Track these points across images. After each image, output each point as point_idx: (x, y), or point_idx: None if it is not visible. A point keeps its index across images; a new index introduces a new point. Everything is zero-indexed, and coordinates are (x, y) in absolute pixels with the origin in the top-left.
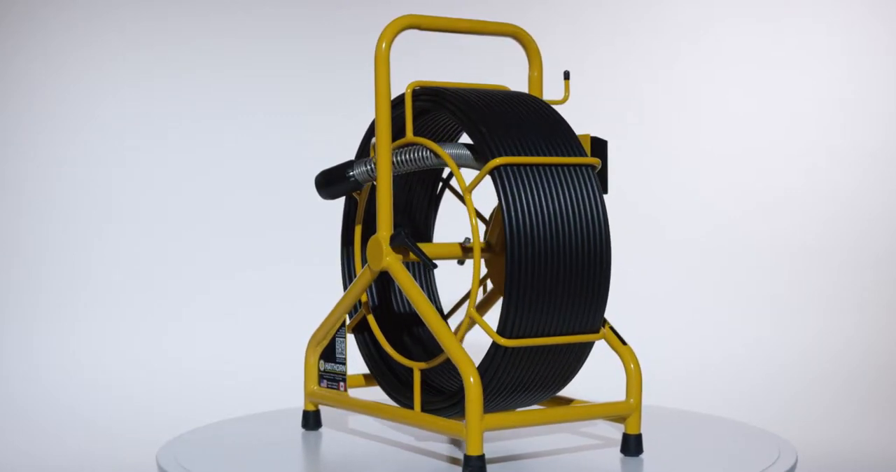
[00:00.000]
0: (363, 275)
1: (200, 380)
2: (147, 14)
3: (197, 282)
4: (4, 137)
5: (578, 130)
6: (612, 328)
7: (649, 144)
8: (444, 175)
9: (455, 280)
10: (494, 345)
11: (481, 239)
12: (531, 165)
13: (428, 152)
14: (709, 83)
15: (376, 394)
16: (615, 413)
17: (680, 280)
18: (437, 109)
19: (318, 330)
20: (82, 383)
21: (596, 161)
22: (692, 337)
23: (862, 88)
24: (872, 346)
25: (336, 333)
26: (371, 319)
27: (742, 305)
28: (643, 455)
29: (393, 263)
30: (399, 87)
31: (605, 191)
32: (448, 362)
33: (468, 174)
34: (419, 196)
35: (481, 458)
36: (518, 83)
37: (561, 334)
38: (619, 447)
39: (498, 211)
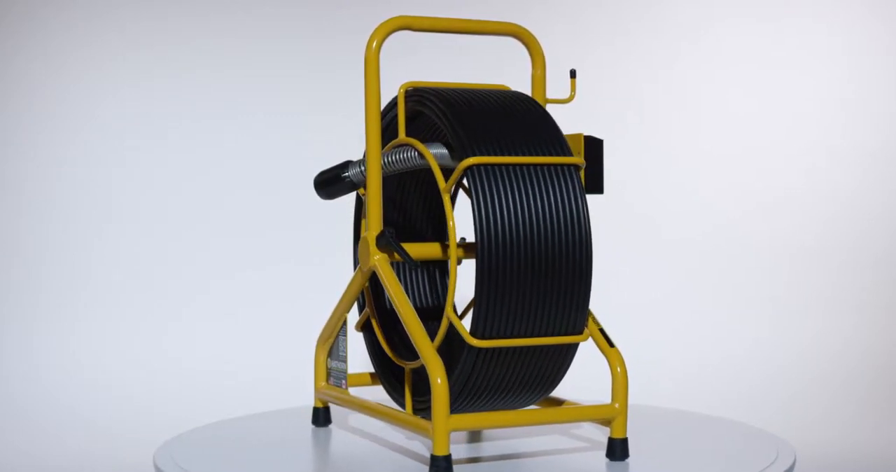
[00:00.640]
0: (356, 275)
1: (200, 380)
2: (147, 14)
3: (197, 282)
4: (4, 137)
5: (578, 129)
6: (601, 330)
7: (649, 144)
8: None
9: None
10: (468, 346)
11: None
12: (507, 165)
13: (415, 153)
14: (709, 83)
15: (381, 393)
16: (599, 417)
17: (678, 281)
18: (423, 110)
19: (324, 328)
20: (82, 383)
21: (579, 161)
22: (691, 338)
23: (862, 88)
24: (871, 346)
25: (339, 331)
26: (373, 318)
27: (741, 305)
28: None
29: (379, 262)
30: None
31: (601, 191)
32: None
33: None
34: (414, 195)
35: (447, 458)
36: (521, 83)
37: (539, 335)
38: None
39: None
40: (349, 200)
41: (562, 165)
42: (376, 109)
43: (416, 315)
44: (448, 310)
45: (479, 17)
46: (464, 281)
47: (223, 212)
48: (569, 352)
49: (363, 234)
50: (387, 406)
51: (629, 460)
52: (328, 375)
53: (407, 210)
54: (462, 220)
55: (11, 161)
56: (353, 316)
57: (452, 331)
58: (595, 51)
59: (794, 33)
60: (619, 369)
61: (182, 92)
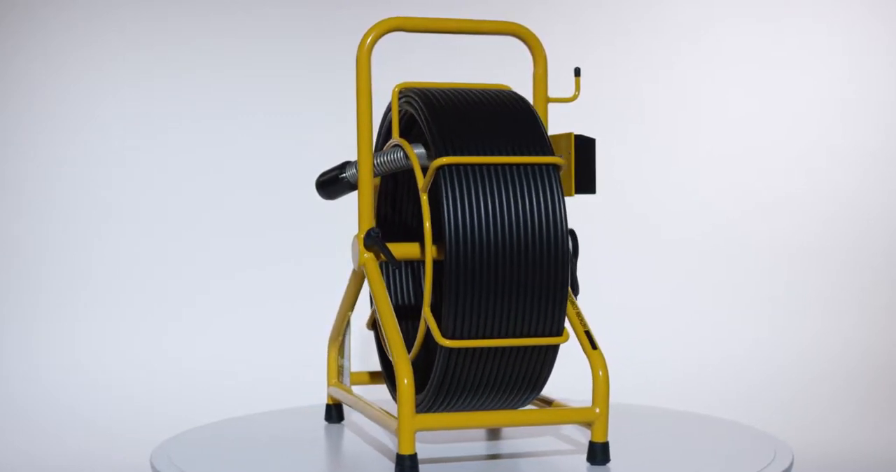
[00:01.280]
0: (351, 274)
1: (200, 380)
2: (147, 14)
3: (197, 282)
4: (4, 137)
5: (578, 129)
6: (586, 332)
7: (649, 143)
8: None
9: None
10: (440, 346)
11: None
12: (480, 165)
13: (402, 153)
14: (709, 83)
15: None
16: (578, 420)
17: (678, 281)
18: (409, 110)
19: (333, 327)
20: (82, 383)
21: (558, 160)
22: (691, 338)
23: (862, 88)
24: (871, 346)
25: (345, 329)
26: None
27: (741, 305)
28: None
29: (367, 262)
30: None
31: (593, 191)
32: (425, 361)
33: None
34: (408, 195)
35: (412, 457)
36: (525, 82)
37: (514, 336)
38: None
39: None
40: (349, 199)
41: (539, 165)
42: (367, 111)
43: (394, 316)
44: (425, 309)
45: (479, 17)
46: None
47: (223, 212)
48: (548, 353)
49: (356, 234)
50: (375, 405)
51: (626, 460)
52: (339, 372)
53: (403, 210)
54: None
55: (11, 161)
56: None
57: None
58: (595, 51)
59: (794, 33)
60: (600, 373)
61: (182, 92)
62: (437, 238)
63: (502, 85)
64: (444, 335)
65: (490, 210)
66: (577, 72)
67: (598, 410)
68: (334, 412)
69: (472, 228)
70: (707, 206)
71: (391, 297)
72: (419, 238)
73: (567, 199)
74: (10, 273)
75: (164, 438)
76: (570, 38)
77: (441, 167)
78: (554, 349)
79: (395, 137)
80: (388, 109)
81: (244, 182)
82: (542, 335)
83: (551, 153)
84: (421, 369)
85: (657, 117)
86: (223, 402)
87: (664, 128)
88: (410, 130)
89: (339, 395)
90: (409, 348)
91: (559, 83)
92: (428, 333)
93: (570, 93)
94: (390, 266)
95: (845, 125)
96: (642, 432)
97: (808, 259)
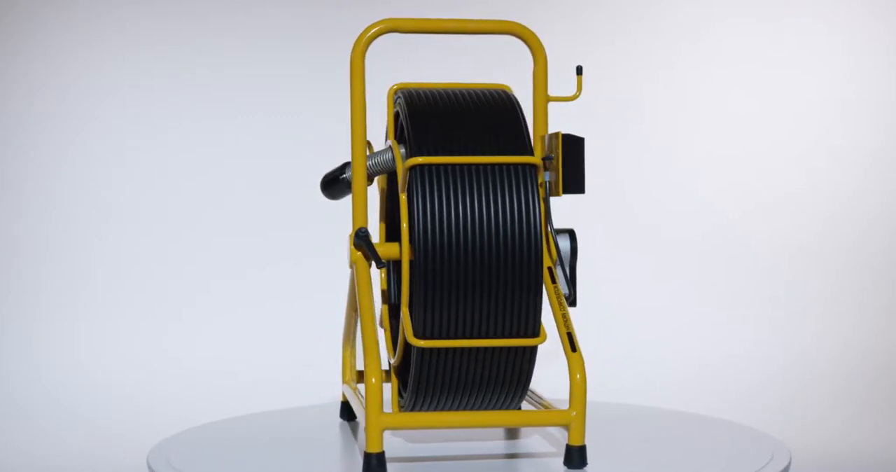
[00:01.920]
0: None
1: (200, 380)
2: (147, 14)
3: (197, 282)
4: (4, 137)
5: (578, 129)
6: (568, 334)
7: (649, 143)
8: None
9: None
10: (411, 345)
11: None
12: (453, 165)
13: (391, 154)
14: (709, 83)
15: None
16: (554, 423)
17: (678, 281)
18: (398, 110)
19: (344, 326)
20: (82, 383)
21: (534, 160)
22: (691, 338)
23: (862, 88)
24: (871, 346)
25: (353, 328)
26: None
27: (740, 305)
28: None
29: (357, 262)
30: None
31: (582, 190)
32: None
33: None
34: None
35: (379, 455)
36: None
37: (487, 336)
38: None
39: None
40: (349, 200)
41: (514, 165)
42: (361, 113)
43: (374, 316)
44: (403, 309)
45: (479, 17)
46: None
47: (223, 212)
48: (526, 354)
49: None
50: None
51: (625, 460)
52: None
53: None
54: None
55: (11, 161)
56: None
57: None
58: (595, 51)
59: (794, 33)
60: (577, 376)
61: (182, 92)
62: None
63: (501, 85)
64: (416, 335)
65: (461, 210)
66: (579, 70)
67: (574, 413)
68: (347, 411)
69: (441, 227)
70: (707, 206)
71: (392, 296)
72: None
73: (566, 199)
74: (10, 273)
75: (164, 438)
76: (570, 38)
77: (413, 167)
78: (532, 350)
79: (390, 138)
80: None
81: (244, 182)
82: (517, 336)
83: (529, 153)
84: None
85: (657, 117)
86: (223, 402)
87: (664, 128)
88: None
89: (348, 393)
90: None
91: (560, 83)
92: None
93: (570, 93)
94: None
95: (845, 125)
96: (640, 432)
97: (808, 259)
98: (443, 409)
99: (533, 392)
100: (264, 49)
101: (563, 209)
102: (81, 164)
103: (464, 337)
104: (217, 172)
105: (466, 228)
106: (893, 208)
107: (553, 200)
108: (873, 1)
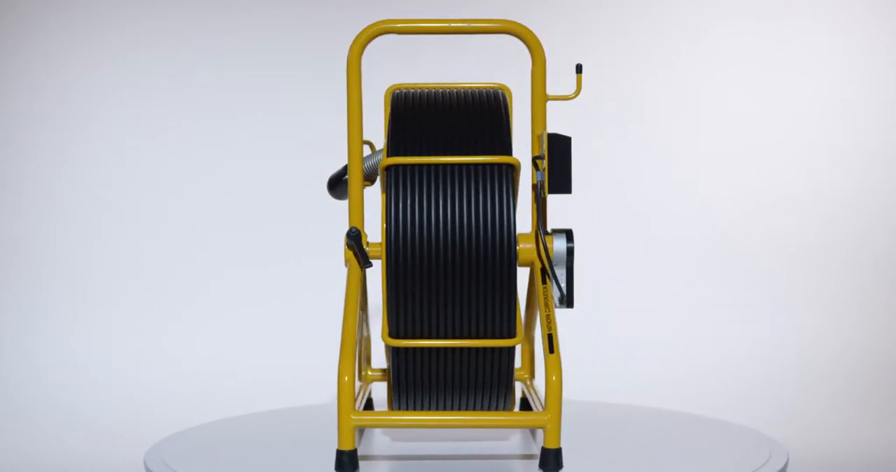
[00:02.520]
0: None
1: (200, 380)
2: (147, 14)
3: (197, 282)
4: (4, 137)
5: (578, 129)
6: (549, 335)
7: (649, 143)
8: None
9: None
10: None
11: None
12: (427, 166)
13: (380, 156)
14: (709, 83)
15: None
16: (529, 425)
17: (678, 281)
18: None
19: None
20: (82, 383)
21: (510, 160)
22: (691, 338)
23: (862, 88)
24: (871, 346)
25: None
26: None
27: (741, 306)
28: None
29: (350, 260)
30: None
31: (568, 190)
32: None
33: None
34: None
35: (350, 453)
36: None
37: (461, 337)
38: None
39: None
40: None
41: (489, 165)
42: (358, 114)
43: (356, 317)
44: (383, 308)
45: (479, 17)
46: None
47: (223, 212)
48: (503, 354)
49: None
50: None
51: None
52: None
53: None
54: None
55: (11, 161)
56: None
57: None
58: (595, 51)
59: (794, 33)
60: (553, 378)
61: (182, 92)
62: None
63: (499, 84)
64: (390, 335)
65: (433, 210)
66: (579, 69)
67: (549, 415)
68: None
69: (412, 227)
70: (707, 206)
71: None
72: None
73: (565, 198)
74: (10, 273)
75: (162, 438)
76: (570, 38)
77: (387, 168)
78: (508, 351)
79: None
80: None
81: (244, 182)
82: (491, 337)
83: (508, 153)
84: None
85: (657, 117)
86: (223, 402)
87: (664, 128)
88: None
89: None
90: None
91: (560, 83)
92: None
93: (571, 92)
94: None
95: (845, 125)
96: (635, 432)
97: (808, 259)
98: (427, 409)
99: (536, 392)
100: (264, 49)
101: (563, 209)
102: (81, 164)
103: (437, 337)
104: (217, 172)
105: (438, 228)
106: (893, 208)
107: (552, 200)
108: (873, 1)
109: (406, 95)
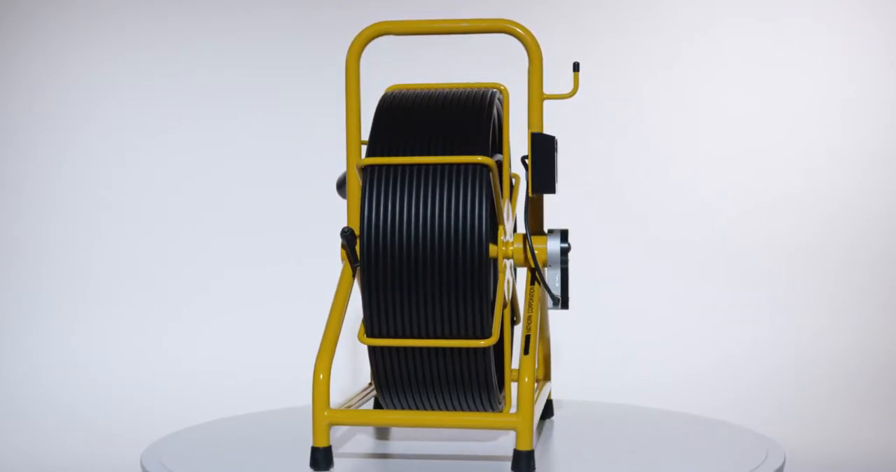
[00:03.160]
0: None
1: (200, 380)
2: (147, 14)
3: (197, 282)
4: (4, 137)
5: (578, 129)
6: (527, 336)
7: (648, 143)
8: None
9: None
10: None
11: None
12: (402, 166)
13: None
14: (709, 83)
15: None
16: (500, 426)
17: (677, 281)
18: None
19: None
20: (82, 383)
21: (485, 160)
22: (690, 339)
23: (862, 88)
24: (871, 347)
25: None
26: None
27: (740, 306)
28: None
29: (344, 258)
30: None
31: (552, 190)
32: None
33: None
34: None
35: (325, 450)
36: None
37: (435, 337)
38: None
39: None
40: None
41: (463, 165)
42: (356, 116)
43: (341, 315)
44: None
45: (479, 17)
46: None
47: (223, 212)
48: (479, 354)
49: None
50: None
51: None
52: None
53: None
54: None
55: (11, 161)
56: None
57: None
58: (595, 51)
59: (794, 33)
60: (526, 379)
61: (182, 92)
62: None
63: (496, 84)
64: (367, 334)
65: (404, 210)
66: (576, 67)
67: (520, 417)
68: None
69: (384, 228)
70: (706, 206)
71: None
72: None
73: (565, 198)
74: (10, 273)
75: (159, 438)
76: (570, 38)
77: (362, 168)
78: (483, 351)
79: None
80: None
81: (244, 182)
82: (465, 337)
83: (485, 154)
84: None
85: (657, 117)
86: (223, 402)
87: (663, 128)
88: None
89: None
90: None
91: (560, 83)
92: None
93: (567, 91)
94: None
95: (845, 125)
96: (633, 432)
97: (807, 259)
98: (409, 408)
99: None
100: (264, 49)
101: (563, 209)
102: (81, 164)
103: (411, 337)
104: (217, 172)
105: (409, 228)
106: (892, 208)
107: (551, 200)
108: (873, 1)
109: (393, 95)
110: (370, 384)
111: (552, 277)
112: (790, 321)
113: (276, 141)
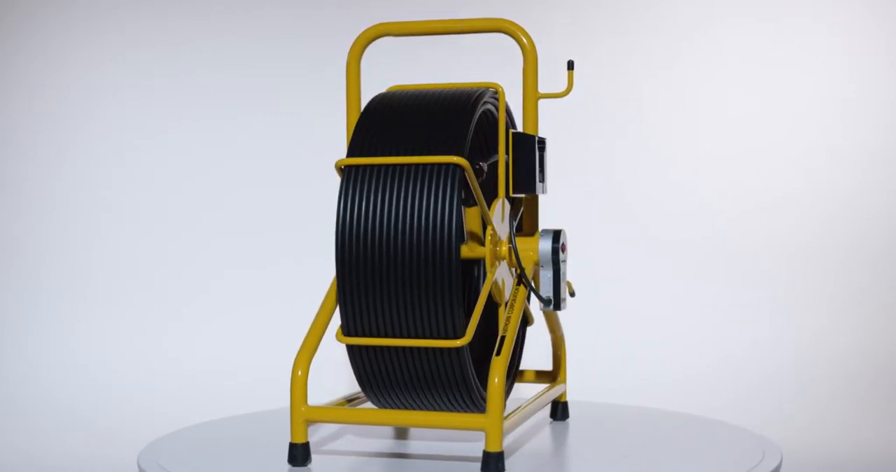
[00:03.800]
0: None
1: (200, 380)
2: (147, 14)
3: (197, 282)
4: (4, 137)
5: (577, 129)
6: (501, 337)
7: (648, 143)
8: None
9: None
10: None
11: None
12: (378, 166)
13: None
14: (709, 83)
15: None
16: (469, 427)
17: (677, 281)
18: None
19: None
20: (82, 383)
21: (458, 161)
22: (690, 339)
23: (862, 88)
24: (870, 347)
25: None
26: None
27: (740, 306)
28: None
29: None
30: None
31: (533, 191)
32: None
33: None
34: None
35: (303, 446)
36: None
37: (408, 336)
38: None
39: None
40: None
41: (436, 165)
42: (356, 116)
43: (330, 313)
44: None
45: (479, 17)
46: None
47: (223, 212)
48: (452, 354)
49: None
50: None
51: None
52: None
53: None
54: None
55: (11, 161)
56: None
57: None
58: (595, 51)
59: (794, 33)
60: (496, 380)
61: (182, 92)
62: None
63: (492, 84)
64: (343, 333)
65: (378, 211)
66: (570, 65)
67: (489, 419)
68: None
69: (358, 228)
70: (706, 206)
71: None
72: None
73: (564, 198)
74: (10, 273)
75: (157, 437)
76: (570, 38)
77: (341, 168)
78: (456, 351)
79: None
80: None
81: (244, 182)
82: (438, 337)
83: (461, 154)
84: None
85: (657, 117)
86: (223, 402)
87: (664, 128)
88: None
89: None
90: None
91: (560, 82)
92: None
93: (565, 87)
94: None
95: (845, 125)
96: (631, 432)
97: (807, 259)
98: (391, 406)
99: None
100: (264, 49)
101: (562, 209)
102: (81, 164)
103: (385, 336)
104: (217, 172)
105: (382, 228)
106: (892, 208)
107: (551, 200)
108: (873, 1)
109: (381, 96)
110: None
111: (545, 277)
112: (790, 321)
113: (276, 141)
